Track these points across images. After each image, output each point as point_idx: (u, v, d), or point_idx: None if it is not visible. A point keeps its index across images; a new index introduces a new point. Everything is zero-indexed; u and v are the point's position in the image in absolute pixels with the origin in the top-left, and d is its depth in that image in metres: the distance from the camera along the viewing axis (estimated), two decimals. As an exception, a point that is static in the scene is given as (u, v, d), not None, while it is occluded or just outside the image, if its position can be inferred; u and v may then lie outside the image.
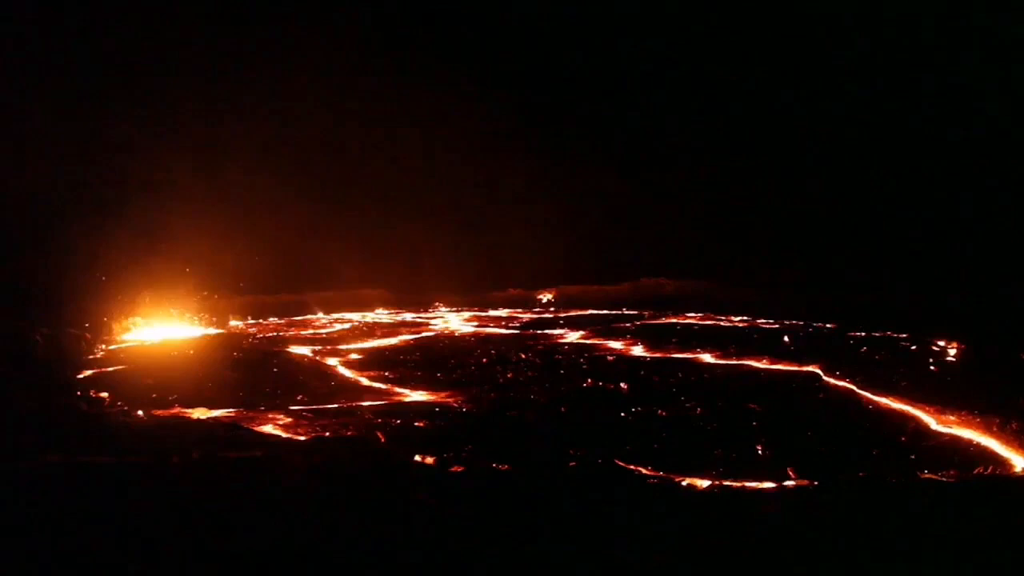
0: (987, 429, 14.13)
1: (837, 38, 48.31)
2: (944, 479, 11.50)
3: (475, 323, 37.94)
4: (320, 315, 42.02)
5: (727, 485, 11.13)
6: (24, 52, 39.85)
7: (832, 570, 7.56)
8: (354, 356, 25.82)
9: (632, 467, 11.97)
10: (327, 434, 14.49)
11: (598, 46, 55.22)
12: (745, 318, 36.70)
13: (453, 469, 12.15)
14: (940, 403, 16.09)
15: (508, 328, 35.49)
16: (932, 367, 22.34)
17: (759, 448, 13.00)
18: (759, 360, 22.97)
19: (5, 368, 20.67)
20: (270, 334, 33.70)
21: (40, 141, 37.59)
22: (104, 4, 43.77)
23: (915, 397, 16.82)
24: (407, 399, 18.51)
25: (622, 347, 27.53)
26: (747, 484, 11.12)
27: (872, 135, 49.22)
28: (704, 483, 11.24)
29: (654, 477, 11.45)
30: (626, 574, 7.54)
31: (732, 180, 53.97)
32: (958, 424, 14.71)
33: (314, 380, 20.94)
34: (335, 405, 17.52)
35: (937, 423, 14.94)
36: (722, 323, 35.87)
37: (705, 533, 8.76)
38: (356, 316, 42.29)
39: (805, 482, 11.41)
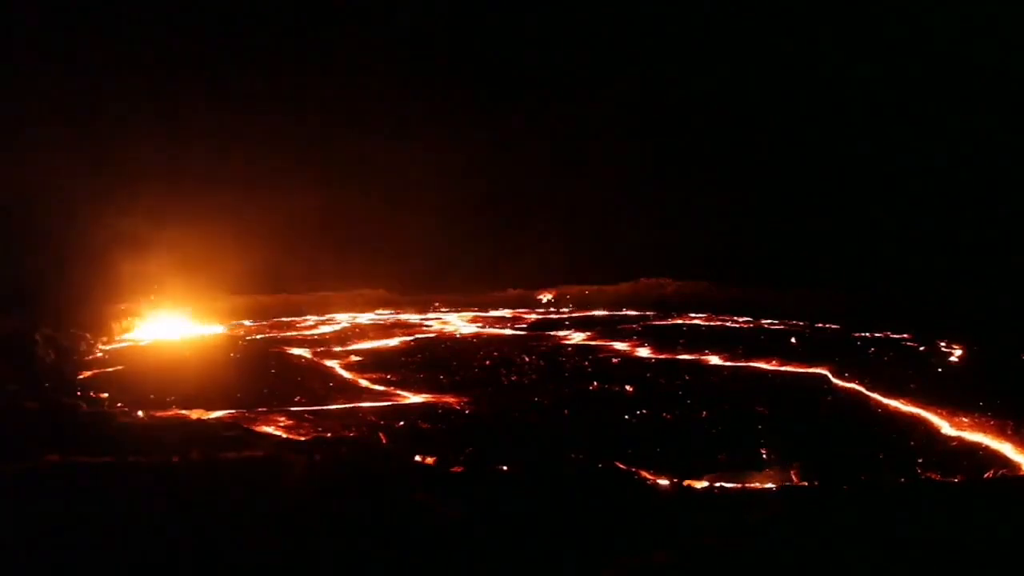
0: (1001, 432, 13.94)
1: (836, 41, 48.29)
2: (950, 482, 11.39)
3: (477, 324, 37.81)
4: (319, 315, 41.91)
5: (727, 487, 11.07)
6: (25, 53, 39.85)
7: (830, 571, 7.47)
8: (354, 358, 25.68)
9: (633, 470, 11.89)
10: (328, 435, 14.40)
11: (598, 47, 55.24)
12: (749, 319, 36.58)
13: (453, 470, 12.08)
14: (951, 405, 15.92)
15: (511, 329, 35.36)
16: (941, 369, 22.16)
17: (764, 452, 12.90)
18: (767, 362, 22.80)
19: (5, 368, 20.57)
20: (269, 335, 33.59)
21: (40, 142, 37.56)
22: (107, 5, 43.79)
23: (926, 399, 16.67)
24: (408, 401, 18.37)
25: (627, 348, 27.38)
26: (748, 486, 11.12)
27: (873, 137, 49.15)
28: (704, 485, 11.16)
29: (654, 479, 11.36)
30: (625, 574, 7.47)
31: (732, 180, 53.91)
32: (970, 427, 14.53)
33: (314, 381, 20.78)
34: (335, 406, 17.41)
35: (949, 426, 14.77)
36: (728, 324, 35.74)
37: (704, 534, 8.68)
38: (357, 316, 42.19)
39: (806, 484, 11.35)
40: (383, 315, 43.46)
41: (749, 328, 33.64)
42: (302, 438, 14.29)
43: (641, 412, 16.22)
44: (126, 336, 31.48)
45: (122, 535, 8.08)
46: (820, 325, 33.15)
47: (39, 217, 34.96)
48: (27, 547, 7.67)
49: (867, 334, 29.01)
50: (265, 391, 19.15)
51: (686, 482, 11.30)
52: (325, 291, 45.84)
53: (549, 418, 16.08)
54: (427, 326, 37.14)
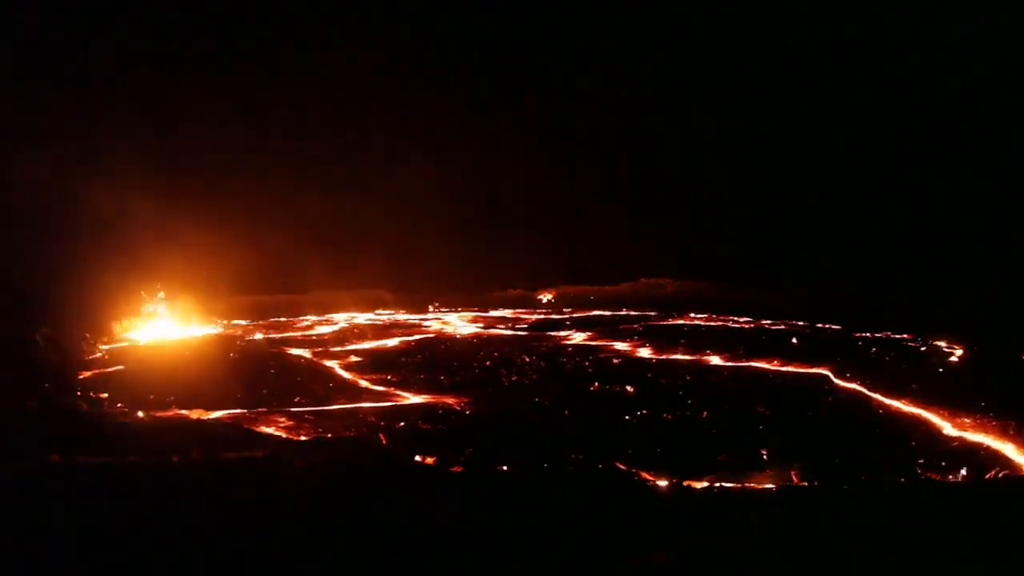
0: (1002, 433, 13.91)
1: (837, 40, 48.26)
2: (951, 482, 11.38)
3: (478, 324, 37.71)
4: (318, 315, 41.84)
5: (727, 487, 11.06)
6: (25, 57, 39.87)
7: (830, 571, 7.45)
8: (354, 358, 25.64)
9: (633, 470, 11.89)
10: (328, 435, 14.39)
11: (598, 50, 55.24)
12: (749, 319, 36.52)
13: (453, 470, 12.07)
14: (952, 406, 15.90)
15: (512, 329, 35.30)
16: (942, 369, 22.13)
17: (764, 452, 12.88)
18: (768, 362, 22.75)
19: (5, 368, 20.55)
20: (269, 335, 33.55)
21: (41, 143, 37.56)
22: (107, 9, 43.81)
23: (927, 400, 16.64)
24: (408, 401, 18.34)
25: (628, 349, 27.34)
26: (748, 486, 11.12)
27: (874, 137, 49.15)
28: (704, 485, 11.15)
29: (654, 480, 11.35)
30: (626, 574, 7.46)
31: (733, 181, 53.92)
32: (972, 428, 14.51)
33: (314, 382, 20.71)
34: (335, 407, 17.39)
35: (951, 426, 14.75)
36: (728, 324, 35.68)
37: (704, 534, 8.67)
38: (356, 316, 42.15)
39: (805, 485, 11.34)
40: (382, 315, 43.41)
41: (750, 328, 33.58)
42: (302, 438, 14.27)
43: (641, 412, 16.19)
44: (126, 336, 31.45)
45: (123, 534, 8.07)
46: (821, 325, 33.09)
47: (40, 218, 34.95)
48: (29, 546, 7.66)
49: (868, 334, 28.96)
50: (265, 391, 19.12)
51: (686, 482, 11.28)
52: (324, 291, 45.78)
53: (549, 418, 16.05)
54: (427, 326, 37.10)
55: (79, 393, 18.47)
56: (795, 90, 51.23)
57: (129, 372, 22.59)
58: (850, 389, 18.63)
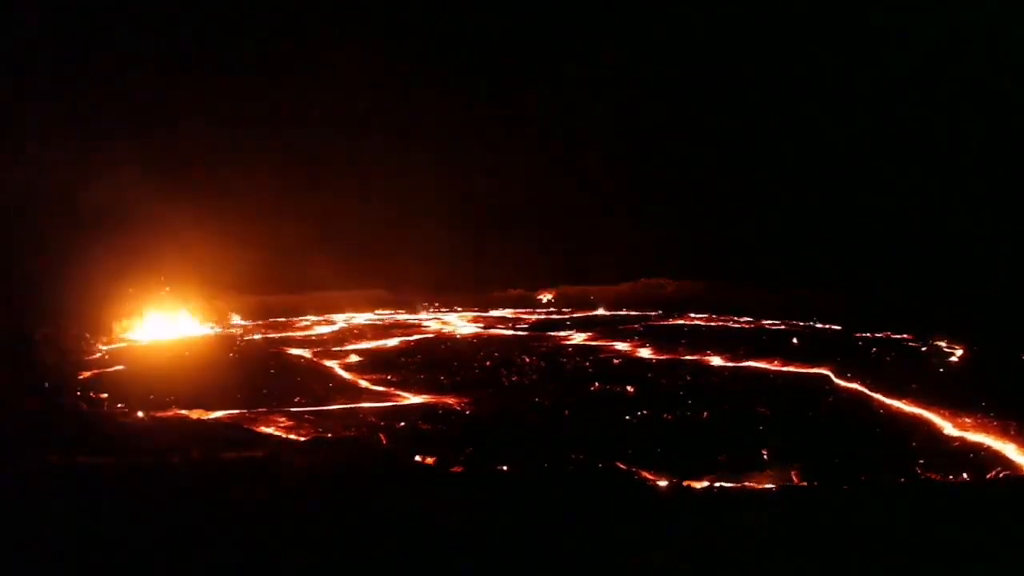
0: (1003, 433, 13.89)
1: (837, 37, 48.27)
2: (952, 483, 11.38)
3: (478, 324, 37.72)
4: (318, 315, 41.88)
5: (727, 487, 11.07)
6: (25, 58, 39.89)
7: (829, 571, 7.45)
8: (354, 358, 25.65)
9: (633, 469, 11.89)
10: (328, 435, 14.40)
11: (597, 47, 55.23)
12: (750, 319, 36.55)
13: (453, 470, 12.08)
14: (953, 406, 15.89)
15: (512, 329, 35.31)
16: (942, 369, 22.13)
17: (764, 452, 12.88)
18: (768, 362, 22.75)
19: (5, 368, 20.57)
20: (268, 335, 33.58)
21: (40, 142, 37.58)
22: (105, 10, 43.84)
23: (927, 400, 16.62)
24: (408, 401, 18.33)
25: (628, 349, 27.34)
26: (748, 486, 11.12)
27: (874, 136, 49.16)
28: (704, 485, 11.16)
29: (654, 480, 11.35)
30: (626, 574, 7.46)
31: (733, 180, 53.91)
32: (973, 428, 14.50)
33: (314, 382, 20.72)
34: (335, 407, 17.38)
35: (952, 426, 14.74)
36: (729, 324, 35.70)
37: (704, 534, 8.67)
38: (355, 316, 42.21)
39: (806, 484, 11.35)
40: (382, 315, 43.43)
41: (750, 328, 33.59)
42: (302, 438, 14.27)
43: (642, 412, 16.19)
44: (126, 336, 31.46)
45: (123, 534, 8.07)
46: (821, 325, 33.10)
47: (39, 217, 34.97)
48: (29, 546, 7.66)
49: (868, 334, 28.97)
50: (265, 391, 19.12)
51: (686, 482, 11.28)
52: (324, 291, 45.77)
53: (549, 418, 16.05)
54: (426, 326, 37.11)
55: (79, 393, 18.48)
56: (795, 89, 51.23)
57: (129, 372, 22.61)
58: (850, 389, 18.62)
